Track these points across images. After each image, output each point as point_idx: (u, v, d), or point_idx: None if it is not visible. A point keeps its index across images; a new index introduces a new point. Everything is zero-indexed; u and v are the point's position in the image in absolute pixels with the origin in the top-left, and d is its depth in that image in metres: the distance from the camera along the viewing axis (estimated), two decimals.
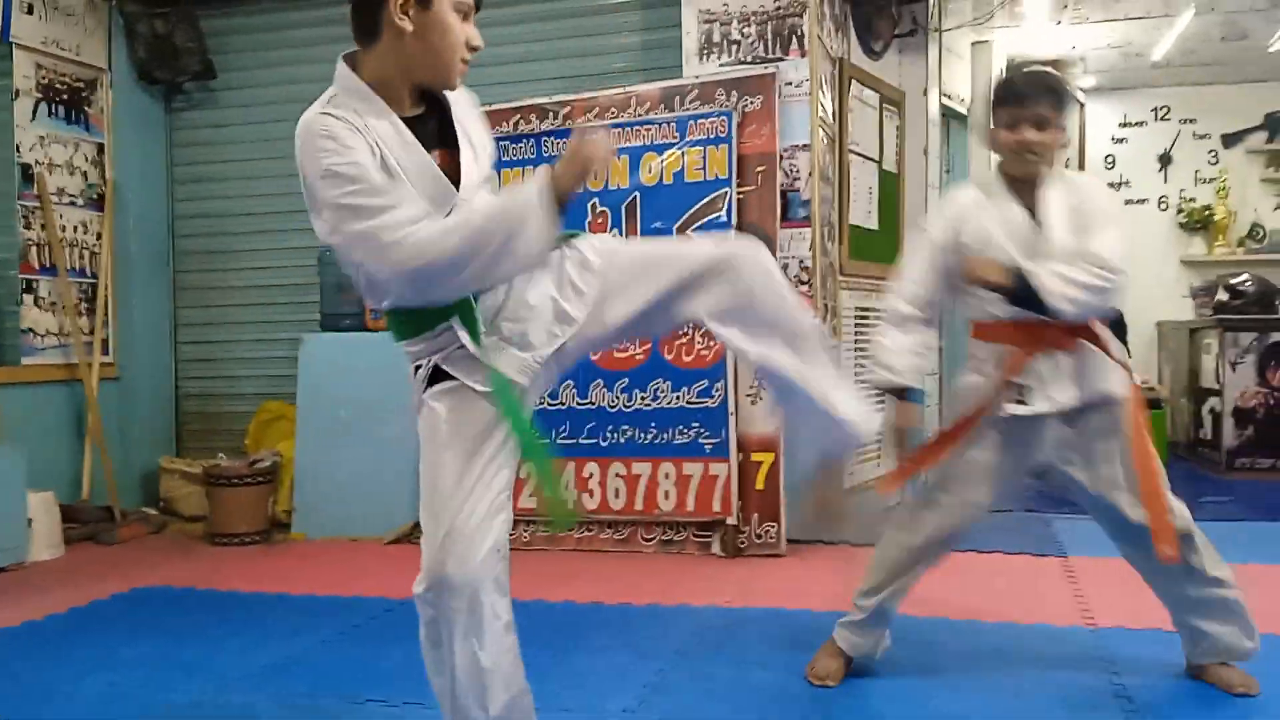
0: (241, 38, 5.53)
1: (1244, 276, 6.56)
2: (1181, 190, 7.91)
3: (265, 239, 5.50)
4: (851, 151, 4.78)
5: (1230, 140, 7.85)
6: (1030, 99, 2.41)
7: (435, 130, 1.80)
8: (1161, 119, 7.93)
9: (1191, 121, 7.87)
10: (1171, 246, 7.92)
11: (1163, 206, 7.96)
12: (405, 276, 1.69)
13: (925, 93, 5.37)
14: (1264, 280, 6.52)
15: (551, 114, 4.55)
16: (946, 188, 6.03)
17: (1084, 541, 4.18)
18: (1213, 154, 7.82)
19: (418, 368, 1.83)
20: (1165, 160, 7.94)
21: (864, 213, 4.97)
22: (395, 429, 4.42)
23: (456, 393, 1.79)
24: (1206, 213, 7.79)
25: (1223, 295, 6.57)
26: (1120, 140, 8.00)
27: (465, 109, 1.86)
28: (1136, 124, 7.98)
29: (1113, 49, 6.95)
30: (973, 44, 6.35)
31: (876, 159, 5.08)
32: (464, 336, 1.76)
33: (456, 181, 1.76)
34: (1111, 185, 7.99)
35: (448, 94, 1.83)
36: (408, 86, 1.76)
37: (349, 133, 1.66)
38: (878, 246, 5.09)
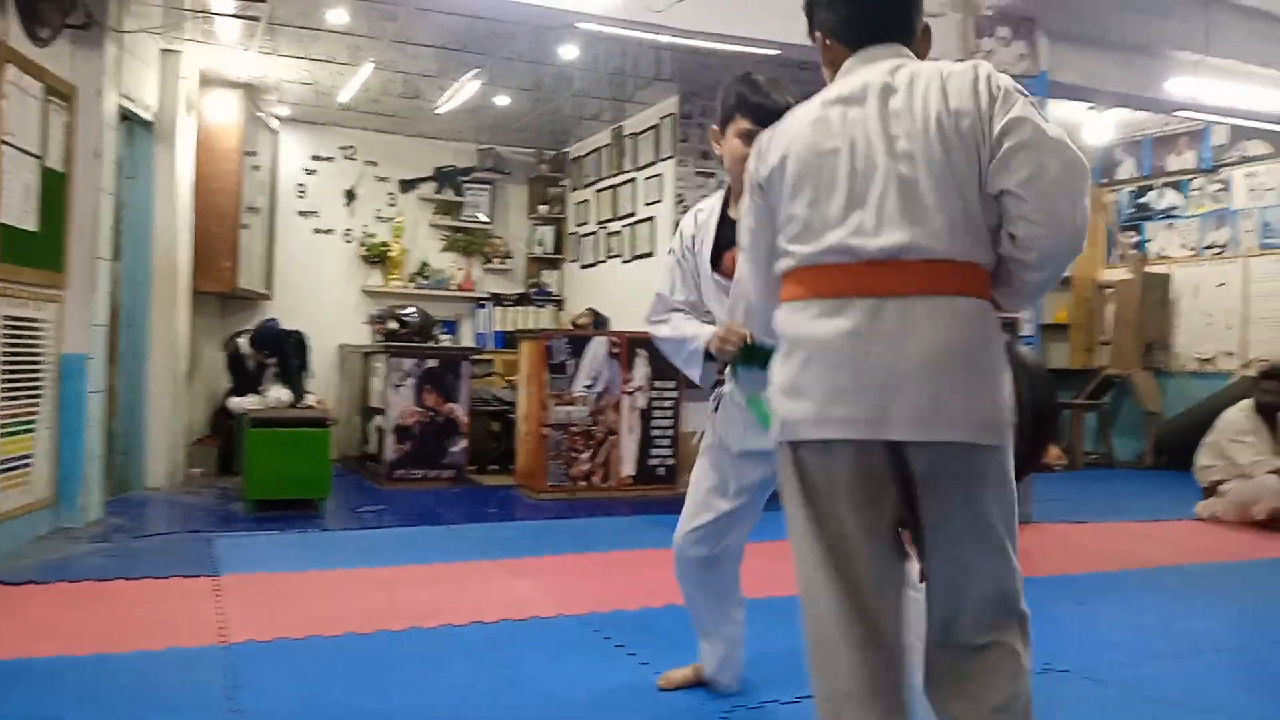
0: None
1: (411, 309, 7.42)
2: (364, 226, 8.68)
3: None
4: (5, 143, 4.27)
5: (407, 186, 8.86)
6: None
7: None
8: (348, 158, 8.62)
9: (374, 164, 8.69)
10: (354, 276, 8.63)
11: (348, 239, 8.63)
12: None
13: (100, 92, 5.04)
14: (426, 313, 7.45)
15: None
16: (125, 193, 5.77)
17: (239, 559, 4.31)
18: (391, 196, 8.74)
19: None
20: (351, 196, 8.63)
21: (21, 212, 4.47)
22: None
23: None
24: (384, 248, 8.65)
25: (393, 324, 7.34)
26: (312, 172, 8.49)
27: None
28: (326, 159, 8.55)
29: (304, 85, 7.35)
30: (162, 51, 6.18)
31: (39, 155, 4.62)
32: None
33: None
34: (301, 214, 8.44)
35: None
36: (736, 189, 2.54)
37: (689, 227, 2.65)
38: (37, 250, 4.63)
